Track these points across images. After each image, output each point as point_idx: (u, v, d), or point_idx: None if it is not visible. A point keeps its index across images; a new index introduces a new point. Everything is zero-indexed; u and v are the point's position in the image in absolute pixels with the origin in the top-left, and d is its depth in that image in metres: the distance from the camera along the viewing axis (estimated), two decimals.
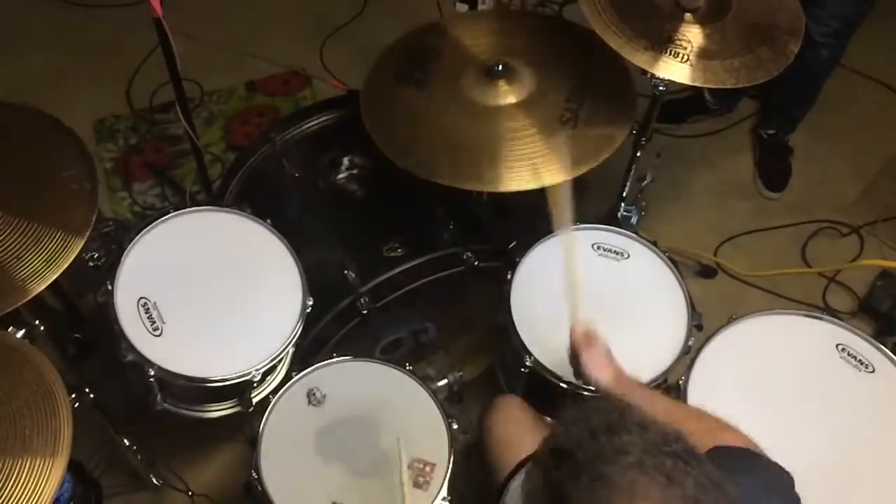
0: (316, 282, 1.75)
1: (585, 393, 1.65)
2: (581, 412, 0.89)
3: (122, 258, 1.71)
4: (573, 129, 1.80)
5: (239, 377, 1.63)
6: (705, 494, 0.80)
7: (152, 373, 1.61)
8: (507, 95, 1.85)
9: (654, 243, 1.87)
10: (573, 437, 0.84)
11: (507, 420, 1.64)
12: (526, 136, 1.79)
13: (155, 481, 2.06)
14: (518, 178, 1.74)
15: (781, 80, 1.79)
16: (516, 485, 1.42)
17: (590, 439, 0.83)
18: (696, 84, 1.70)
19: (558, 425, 0.89)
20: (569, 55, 1.93)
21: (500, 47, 1.96)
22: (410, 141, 1.82)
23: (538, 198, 1.86)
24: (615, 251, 1.85)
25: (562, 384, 1.66)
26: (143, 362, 1.61)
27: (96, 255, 1.93)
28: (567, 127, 1.80)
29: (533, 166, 1.74)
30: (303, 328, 1.71)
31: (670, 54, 1.69)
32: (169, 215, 1.78)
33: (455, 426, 1.63)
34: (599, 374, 1.34)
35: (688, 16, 1.74)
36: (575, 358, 1.40)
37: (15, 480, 1.12)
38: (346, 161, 2.06)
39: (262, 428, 1.61)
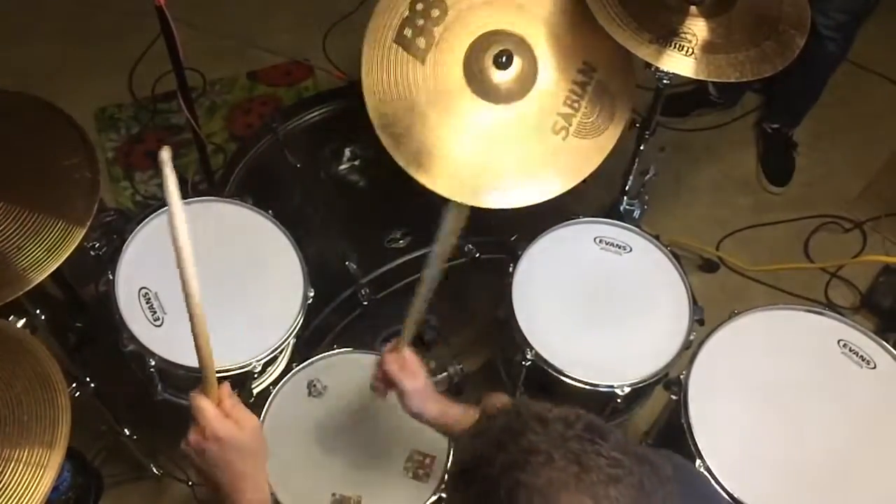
0: (317, 273, 1.75)
1: (587, 387, 1.65)
2: (479, 425, 0.89)
3: (124, 248, 1.71)
4: (563, 141, 1.79)
5: (240, 368, 1.63)
6: (620, 468, 0.79)
7: (153, 363, 1.61)
8: (507, 93, 1.80)
9: (657, 237, 1.86)
10: (478, 452, 0.83)
11: None
12: (516, 145, 1.77)
13: (155, 471, 2.07)
14: (500, 196, 1.73)
15: (786, 75, 1.77)
16: None
17: (496, 450, 0.82)
18: (701, 78, 1.69)
19: (458, 446, 0.87)
20: (575, 40, 1.88)
21: (503, 17, 1.84)
22: (406, 131, 1.79)
23: None
24: (617, 245, 1.84)
25: (562, 378, 1.66)
26: (143, 352, 1.61)
27: (98, 244, 1.92)
28: (558, 137, 1.78)
29: (526, 180, 1.74)
30: (304, 319, 1.71)
31: (675, 47, 1.67)
32: None
33: None
34: (424, 406, 1.34)
35: (693, 9, 1.72)
36: (389, 387, 1.37)
37: (13, 469, 1.12)
38: (347, 152, 2.06)
39: (263, 419, 1.61)
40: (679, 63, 1.67)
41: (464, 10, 1.84)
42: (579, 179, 1.76)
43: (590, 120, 1.79)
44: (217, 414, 1.01)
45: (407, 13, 1.82)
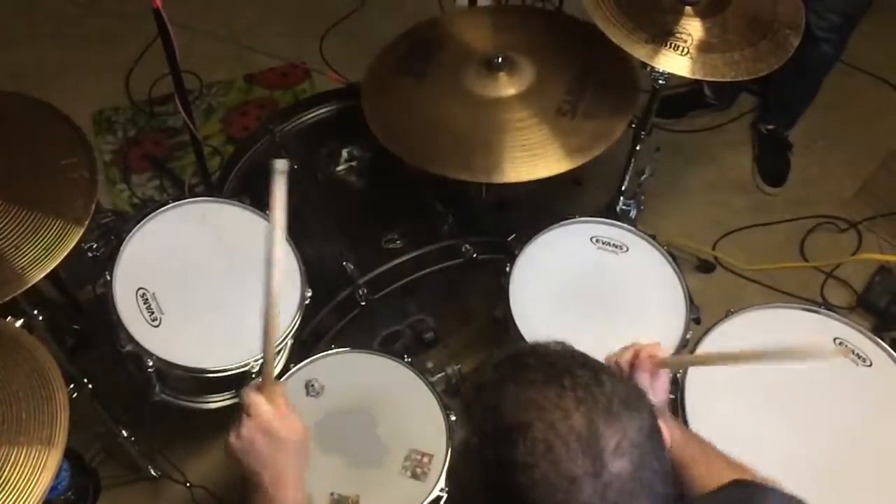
0: (314, 273, 1.75)
1: None
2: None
3: (121, 249, 1.70)
4: (571, 121, 1.80)
5: (237, 368, 1.63)
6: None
7: (150, 363, 1.61)
8: (507, 87, 1.86)
9: (653, 237, 1.87)
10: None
11: None
12: (524, 128, 1.80)
13: (153, 472, 2.07)
14: (515, 169, 1.74)
15: (781, 75, 1.78)
16: None
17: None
18: (697, 77, 1.70)
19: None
20: (569, 48, 1.94)
21: (500, 42, 1.97)
22: (408, 130, 1.82)
23: (537, 190, 1.88)
24: (614, 244, 1.85)
25: None
26: (141, 353, 1.61)
27: (95, 245, 1.92)
28: (566, 118, 1.80)
29: (530, 157, 1.75)
30: (301, 319, 1.71)
31: (670, 47, 1.69)
32: (168, 206, 1.78)
33: (453, 418, 1.63)
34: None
35: (688, 9, 1.74)
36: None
37: (11, 466, 1.12)
38: (345, 153, 2.06)
39: None
40: (675, 63, 1.68)
41: (462, 43, 1.98)
42: (589, 157, 1.77)
43: (594, 107, 1.82)
44: (271, 410, 1.05)
45: (406, 51, 1.97)
